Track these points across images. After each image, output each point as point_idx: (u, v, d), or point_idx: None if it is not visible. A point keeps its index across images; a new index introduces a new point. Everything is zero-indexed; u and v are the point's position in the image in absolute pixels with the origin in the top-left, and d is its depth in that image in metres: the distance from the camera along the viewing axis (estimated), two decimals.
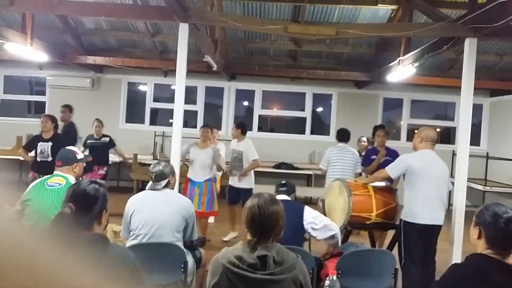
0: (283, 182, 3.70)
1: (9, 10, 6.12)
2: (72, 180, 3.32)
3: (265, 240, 1.96)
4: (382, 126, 6.04)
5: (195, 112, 10.14)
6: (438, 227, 3.93)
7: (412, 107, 10.24)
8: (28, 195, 3.35)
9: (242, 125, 6.22)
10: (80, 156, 3.47)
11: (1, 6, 5.66)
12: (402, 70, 6.88)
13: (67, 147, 3.55)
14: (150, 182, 3.38)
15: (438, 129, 10.78)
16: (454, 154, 8.54)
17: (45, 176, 3.43)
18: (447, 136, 10.58)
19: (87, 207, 2.00)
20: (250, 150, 5.99)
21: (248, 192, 5.38)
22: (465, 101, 4.99)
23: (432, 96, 10.03)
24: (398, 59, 7.02)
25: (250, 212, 2.00)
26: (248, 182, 5.97)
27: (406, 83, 8.14)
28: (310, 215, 3.30)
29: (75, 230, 1.91)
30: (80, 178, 3.51)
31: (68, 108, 6.98)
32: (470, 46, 5.00)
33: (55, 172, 3.41)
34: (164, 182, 3.33)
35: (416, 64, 6.52)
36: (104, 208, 2.09)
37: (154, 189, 3.33)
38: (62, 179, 3.30)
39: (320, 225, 3.27)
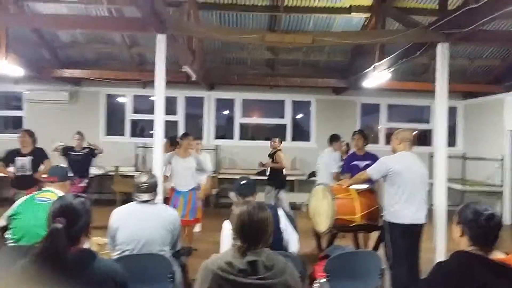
0: (243, 182, 3.45)
1: None
2: (61, 194, 3.30)
3: (254, 246, 1.98)
4: (359, 131, 6.10)
5: (176, 123, 10.12)
6: (421, 226, 4.03)
7: (389, 111, 10.46)
8: (16, 210, 3.34)
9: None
10: (70, 174, 3.50)
11: None
12: (378, 76, 7.04)
13: (58, 165, 3.56)
14: (140, 194, 3.28)
15: (415, 132, 11.03)
16: (431, 156, 8.74)
17: (33, 193, 3.42)
18: (423, 139, 10.83)
19: (75, 221, 2.00)
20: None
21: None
22: (440, 104, 5.14)
23: (408, 100, 10.28)
24: (373, 65, 7.19)
25: (239, 219, 2.03)
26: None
27: (382, 88, 8.32)
28: (283, 222, 3.30)
29: (63, 245, 1.91)
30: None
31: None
32: (442, 51, 5.18)
33: (44, 188, 3.40)
34: (153, 194, 3.31)
35: (391, 70, 6.70)
36: (89, 220, 2.10)
37: (144, 201, 3.27)
38: (53, 194, 3.29)
39: (288, 236, 3.28)
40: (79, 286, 1.87)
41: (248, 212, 2.04)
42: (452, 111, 9.79)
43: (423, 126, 10.72)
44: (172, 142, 6.16)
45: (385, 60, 6.82)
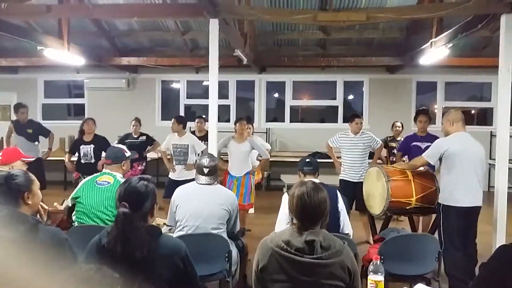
0: (308, 160, 3.65)
1: (46, 16, 6.39)
2: (120, 177, 3.49)
3: (312, 226, 2.02)
4: (425, 110, 5.85)
5: (228, 107, 10.27)
6: (478, 209, 3.89)
7: (446, 89, 10.02)
8: (78, 193, 3.53)
9: (183, 119, 6.34)
10: (128, 153, 3.66)
11: (38, 13, 5.92)
12: (435, 52, 6.74)
13: (115, 145, 3.72)
14: (201, 176, 3.46)
15: (473, 111, 10.53)
16: (492, 135, 8.33)
17: (95, 175, 3.62)
18: (483, 118, 10.31)
19: (140, 204, 2.14)
20: (196, 142, 6.22)
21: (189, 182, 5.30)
22: (503, 80, 4.85)
23: (467, 77, 9.78)
24: (430, 41, 6.88)
25: (299, 200, 2.06)
26: (190, 173, 5.83)
27: (439, 65, 7.97)
28: (341, 203, 3.37)
29: (135, 225, 2.05)
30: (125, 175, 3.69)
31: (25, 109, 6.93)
32: (506, 23, 4.84)
33: (104, 170, 3.59)
34: (214, 177, 3.45)
35: (450, 45, 6.38)
36: (155, 202, 2.23)
37: (204, 183, 3.43)
38: (111, 177, 3.47)
39: (343, 218, 3.35)
40: (148, 261, 2.02)
41: (307, 193, 2.06)
42: None
43: (483, 104, 10.19)
44: (179, 121, 6.29)
45: (443, 35, 6.50)
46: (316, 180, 3.35)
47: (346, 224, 3.36)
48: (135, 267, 1.87)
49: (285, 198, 3.32)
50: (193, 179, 5.39)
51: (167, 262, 2.09)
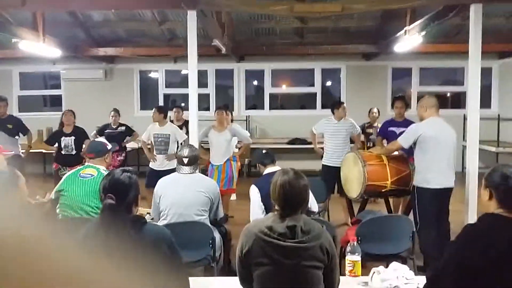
0: (264, 152, 3.80)
1: (21, 9, 6.30)
2: (103, 170, 3.55)
3: (294, 212, 2.14)
4: (401, 97, 5.99)
5: (207, 95, 10.31)
6: (450, 190, 4.11)
7: (421, 74, 10.27)
8: (62, 186, 3.57)
9: (163, 109, 6.41)
10: (109, 146, 3.71)
11: (13, 6, 5.84)
12: (409, 39, 6.92)
13: (96, 139, 3.77)
14: (182, 167, 3.56)
15: (448, 94, 10.82)
16: (465, 118, 8.61)
17: (78, 168, 3.67)
18: (457, 101, 10.62)
19: (124, 195, 2.22)
20: (178, 132, 6.25)
21: (172, 172, 5.31)
22: (473, 67, 5.05)
23: (441, 62, 10.05)
24: (404, 29, 7.05)
25: (282, 188, 2.16)
26: (171, 163, 5.87)
27: (413, 52, 8.17)
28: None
29: (119, 216, 2.14)
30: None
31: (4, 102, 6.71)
32: (475, 12, 5.02)
33: (86, 163, 3.64)
34: (194, 166, 3.55)
35: (423, 33, 6.56)
36: (138, 192, 2.32)
37: (185, 173, 3.54)
38: (94, 170, 3.52)
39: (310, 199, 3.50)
40: (134, 249, 2.11)
41: (289, 182, 2.16)
42: (487, 72, 9.54)
43: (457, 89, 10.50)
44: (160, 111, 6.35)
45: (416, 23, 6.67)
46: (277, 168, 3.48)
47: (312, 203, 3.50)
48: (122, 256, 1.95)
49: (253, 190, 3.44)
50: (174, 169, 5.47)
51: (154, 249, 2.19)
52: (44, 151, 7.58)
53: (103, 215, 2.14)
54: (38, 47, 6.96)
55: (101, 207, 2.18)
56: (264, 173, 3.63)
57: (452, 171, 4.12)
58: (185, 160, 3.53)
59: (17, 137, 6.65)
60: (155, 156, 6.19)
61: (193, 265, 3.37)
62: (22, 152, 6.72)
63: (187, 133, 5.94)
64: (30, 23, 7.11)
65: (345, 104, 5.98)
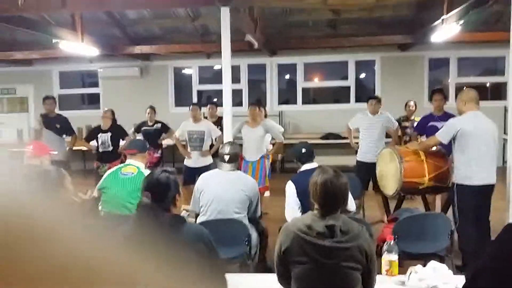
0: (304, 151, 3.76)
1: (61, 11, 6.51)
2: (143, 167, 3.66)
3: (333, 211, 2.14)
4: (440, 89, 5.81)
5: (240, 91, 10.35)
6: (492, 186, 3.99)
7: (459, 65, 9.94)
8: (103, 184, 3.70)
9: (199, 105, 6.51)
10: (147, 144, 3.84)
11: (53, 8, 6.05)
12: (447, 29, 6.71)
13: (137, 138, 3.89)
14: (223, 164, 3.63)
15: (488, 84, 10.44)
16: (506, 110, 8.30)
17: (118, 165, 3.79)
18: (498, 92, 10.23)
19: (162, 194, 2.29)
20: (213, 128, 6.28)
21: (207, 168, 5.27)
22: None
23: (480, 52, 9.68)
24: (441, 18, 6.84)
25: (323, 187, 2.16)
26: (206, 160, 6.10)
27: (451, 41, 7.91)
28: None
29: (156, 214, 2.20)
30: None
31: (52, 100, 6.94)
32: None
33: (127, 161, 3.76)
34: (235, 164, 3.61)
35: (461, 22, 6.35)
36: (177, 192, 2.38)
37: (226, 170, 3.60)
38: (135, 168, 3.64)
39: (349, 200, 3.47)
40: (173, 247, 2.16)
41: (330, 180, 2.17)
42: None
43: (497, 79, 10.10)
44: (198, 107, 6.44)
45: (454, 11, 6.45)
46: (315, 164, 3.48)
47: (350, 201, 3.48)
48: (159, 254, 2.02)
49: (289, 186, 3.44)
50: (209, 166, 5.57)
51: (192, 248, 2.25)
52: (83, 148, 7.80)
53: (138, 214, 2.21)
54: (78, 47, 7.19)
55: (138, 205, 2.25)
56: (301, 169, 3.64)
57: (494, 167, 3.99)
58: (226, 158, 3.60)
59: (64, 135, 6.81)
60: (190, 153, 6.28)
61: (230, 261, 3.43)
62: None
63: (221, 129, 6.00)
64: (69, 24, 7.35)
65: (375, 100, 5.84)
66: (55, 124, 6.61)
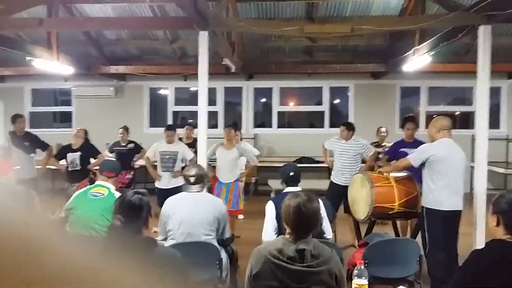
0: (292, 174, 3.77)
1: (38, 29, 6.45)
2: (113, 189, 3.59)
3: (305, 235, 2.15)
4: (412, 118, 5.86)
5: (216, 113, 10.38)
6: (460, 212, 4.08)
7: (429, 93, 10.28)
8: (72, 204, 3.60)
9: (175, 127, 6.47)
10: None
11: (30, 26, 5.99)
12: (418, 59, 6.95)
13: (110, 159, 3.83)
14: (189, 186, 3.58)
15: (457, 112, 10.78)
16: (473, 138, 8.54)
17: (88, 186, 3.71)
18: (466, 121, 10.57)
19: (135, 216, 2.26)
20: (186, 150, 6.29)
21: (179, 189, 5.17)
22: (482, 88, 5.07)
23: (450, 82, 10.05)
24: (413, 48, 7.09)
25: (295, 211, 2.17)
26: (178, 181, 6.00)
27: (422, 71, 8.19)
28: (323, 209, 3.50)
29: (128, 236, 2.17)
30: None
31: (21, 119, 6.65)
32: (484, 34, 5.06)
33: (98, 182, 3.69)
34: (201, 185, 3.57)
35: (432, 53, 6.60)
36: (149, 214, 2.35)
37: (192, 192, 3.56)
38: (105, 189, 3.56)
39: (325, 224, 3.50)
40: (144, 270, 2.12)
41: (303, 204, 2.18)
42: (496, 92, 9.53)
43: (465, 108, 10.46)
44: (174, 129, 6.40)
45: (425, 43, 6.71)
46: (298, 188, 3.51)
47: (327, 229, 3.52)
48: (131, 277, 1.99)
49: (270, 206, 3.44)
50: (181, 187, 5.50)
51: (163, 271, 2.21)
52: (52, 167, 7.61)
53: (110, 236, 2.17)
54: (52, 65, 7.10)
55: (109, 228, 2.21)
56: (284, 191, 3.65)
57: (461, 194, 4.10)
58: (192, 179, 3.55)
59: (33, 154, 6.59)
60: (159, 175, 6.22)
61: (201, 284, 3.37)
62: (38, 168, 6.72)
63: (195, 151, 5.97)
64: (45, 41, 7.28)
65: (345, 127, 5.88)
66: (24, 142, 6.43)
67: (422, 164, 4.15)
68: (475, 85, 5.55)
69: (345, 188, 5.50)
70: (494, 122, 8.96)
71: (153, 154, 6.32)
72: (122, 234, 2.16)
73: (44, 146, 6.67)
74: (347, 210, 5.39)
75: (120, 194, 3.56)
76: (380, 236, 3.70)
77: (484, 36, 5.07)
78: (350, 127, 5.87)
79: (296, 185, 3.71)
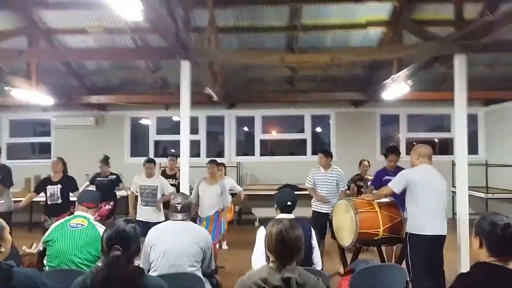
0: (289, 203, 3.68)
1: (18, 60, 6.40)
2: (92, 219, 3.50)
3: (289, 263, 2.10)
4: (395, 149, 5.90)
5: (198, 142, 10.35)
6: (443, 237, 4.10)
7: (409, 121, 10.48)
8: (50, 236, 3.47)
9: (154, 161, 6.47)
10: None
11: (10, 57, 5.93)
12: (396, 87, 7.11)
13: (89, 189, 3.75)
14: (175, 214, 3.51)
15: (436, 140, 11.00)
16: (453, 164, 8.68)
17: (67, 218, 3.60)
18: (445, 147, 10.78)
19: (128, 246, 2.23)
20: (165, 184, 6.29)
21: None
22: (459, 114, 5.18)
23: (428, 109, 10.28)
24: (391, 77, 7.26)
25: (277, 237, 2.14)
26: (160, 215, 6.12)
27: (401, 99, 8.37)
28: (315, 240, 3.47)
29: (123, 266, 2.14)
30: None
31: None
32: (459, 62, 5.21)
33: (76, 213, 3.58)
34: (187, 214, 3.51)
35: (410, 82, 6.76)
36: (140, 243, 2.34)
37: (179, 220, 3.48)
38: (84, 220, 3.46)
39: (315, 254, 3.46)
40: None
41: (285, 230, 2.15)
42: (473, 119, 9.78)
43: (444, 135, 10.69)
44: (154, 163, 6.39)
45: (403, 72, 6.88)
46: (292, 216, 3.47)
47: (318, 262, 3.46)
48: None
49: (261, 232, 3.38)
50: (161, 222, 5.39)
51: None
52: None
53: (109, 267, 2.12)
54: (30, 95, 7.02)
55: (107, 259, 2.16)
56: (277, 217, 3.59)
57: (444, 219, 4.12)
58: (178, 207, 3.49)
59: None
60: (134, 215, 6.17)
61: None
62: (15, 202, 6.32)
63: (179, 183, 5.89)
64: (23, 71, 7.22)
65: (322, 154, 5.97)
66: None
67: (404, 191, 4.18)
68: (452, 112, 5.73)
69: (327, 215, 5.52)
70: (472, 148, 9.16)
71: (135, 187, 6.29)
72: (118, 263, 2.13)
73: (8, 182, 6.15)
74: (333, 235, 5.35)
75: (100, 225, 3.47)
76: (366, 263, 3.66)
77: (459, 64, 5.22)
78: (328, 154, 5.96)
79: (290, 213, 3.66)
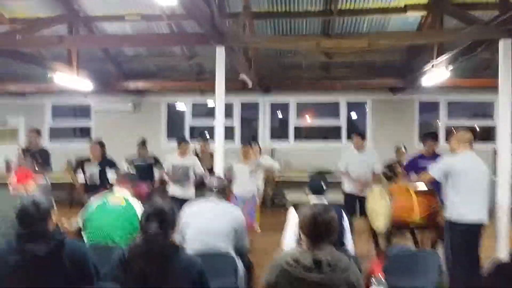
0: (324, 187, 3.81)
1: (58, 46, 6.61)
2: (130, 197, 3.62)
3: (321, 244, 2.13)
4: (434, 135, 5.83)
5: (232, 128, 10.41)
6: (482, 226, 3.99)
7: (449, 108, 10.16)
8: (89, 213, 3.63)
9: (188, 140, 6.58)
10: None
11: (51, 44, 6.13)
12: (436, 74, 6.88)
13: (128, 172, 3.89)
14: (210, 194, 3.63)
15: (477, 127, 10.60)
16: (495, 152, 8.38)
17: (105, 194, 3.74)
18: (487, 135, 10.38)
19: (167, 222, 2.35)
20: (197, 164, 6.39)
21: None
22: (503, 102, 4.99)
23: (469, 96, 9.91)
24: (431, 63, 7.03)
25: (311, 219, 2.18)
26: (190, 193, 6.27)
27: (441, 86, 8.11)
28: (346, 221, 3.50)
29: (160, 241, 2.27)
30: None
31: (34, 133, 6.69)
32: (504, 48, 4.99)
33: (114, 189, 3.72)
34: (222, 195, 3.60)
35: (450, 68, 6.53)
36: (177, 219, 2.49)
37: (212, 201, 3.58)
38: (123, 200, 3.59)
39: (347, 236, 3.47)
40: (169, 274, 2.23)
41: (317, 213, 2.19)
42: None
43: (486, 122, 10.29)
44: (187, 142, 6.54)
45: (443, 57, 6.64)
46: (324, 200, 3.50)
47: (350, 243, 3.47)
48: (157, 281, 2.13)
49: (292, 212, 3.43)
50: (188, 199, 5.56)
51: (186, 276, 2.28)
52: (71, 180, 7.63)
53: (147, 242, 2.21)
54: (72, 81, 7.25)
55: (145, 234, 2.27)
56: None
57: (485, 207, 4.02)
58: (214, 189, 3.60)
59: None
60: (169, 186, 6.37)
61: None
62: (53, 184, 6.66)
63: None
64: (65, 58, 7.46)
65: (357, 136, 6.00)
66: (36, 158, 6.41)
67: (445, 177, 4.08)
68: (495, 100, 5.49)
69: (359, 198, 5.49)
70: None
71: (167, 166, 6.46)
72: (155, 240, 2.25)
73: (47, 165, 6.48)
74: (363, 214, 5.31)
75: (140, 203, 3.60)
76: (400, 248, 3.64)
77: (504, 50, 5.01)
78: (363, 136, 5.97)
79: (322, 196, 3.72)
